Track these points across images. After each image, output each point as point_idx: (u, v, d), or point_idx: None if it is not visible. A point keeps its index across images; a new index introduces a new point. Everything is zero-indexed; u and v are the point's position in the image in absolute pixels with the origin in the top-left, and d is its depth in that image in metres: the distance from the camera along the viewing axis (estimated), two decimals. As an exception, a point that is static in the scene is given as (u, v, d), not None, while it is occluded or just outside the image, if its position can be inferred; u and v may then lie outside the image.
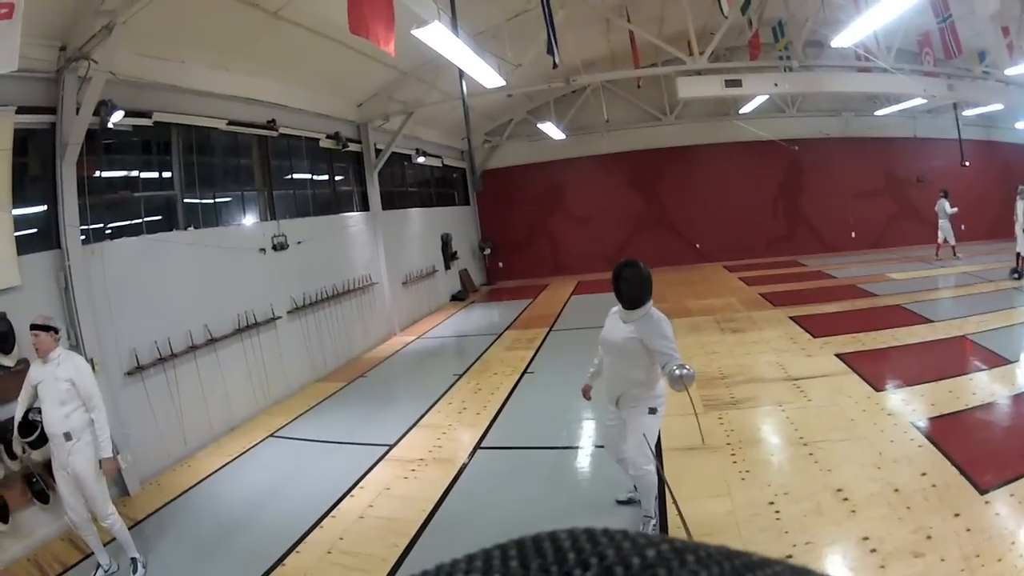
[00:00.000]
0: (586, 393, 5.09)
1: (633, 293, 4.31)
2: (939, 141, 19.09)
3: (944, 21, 11.52)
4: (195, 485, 6.55)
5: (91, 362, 5.81)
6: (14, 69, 3.83)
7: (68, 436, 4.60)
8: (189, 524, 5.76)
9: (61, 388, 4.58)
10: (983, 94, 13.96)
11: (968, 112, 18.27)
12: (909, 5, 7.93)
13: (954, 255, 16.15)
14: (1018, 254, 13.00)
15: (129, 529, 5.14)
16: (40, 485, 5.60)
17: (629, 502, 5.19)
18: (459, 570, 0.37)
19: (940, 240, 16.32)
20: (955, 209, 15.97)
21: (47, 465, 5.16)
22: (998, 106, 16.13)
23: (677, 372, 3.96)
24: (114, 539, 4.98)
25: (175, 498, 6.27)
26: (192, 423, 7.48)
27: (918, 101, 15.94)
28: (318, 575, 4.73)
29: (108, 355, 6.34)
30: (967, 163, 17.94)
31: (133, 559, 4.92)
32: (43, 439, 4.79)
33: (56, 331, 4.72)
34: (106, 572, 4.92)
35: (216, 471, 6.88)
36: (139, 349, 6.81)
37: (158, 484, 6.62)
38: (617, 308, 4.51)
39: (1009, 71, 12.06)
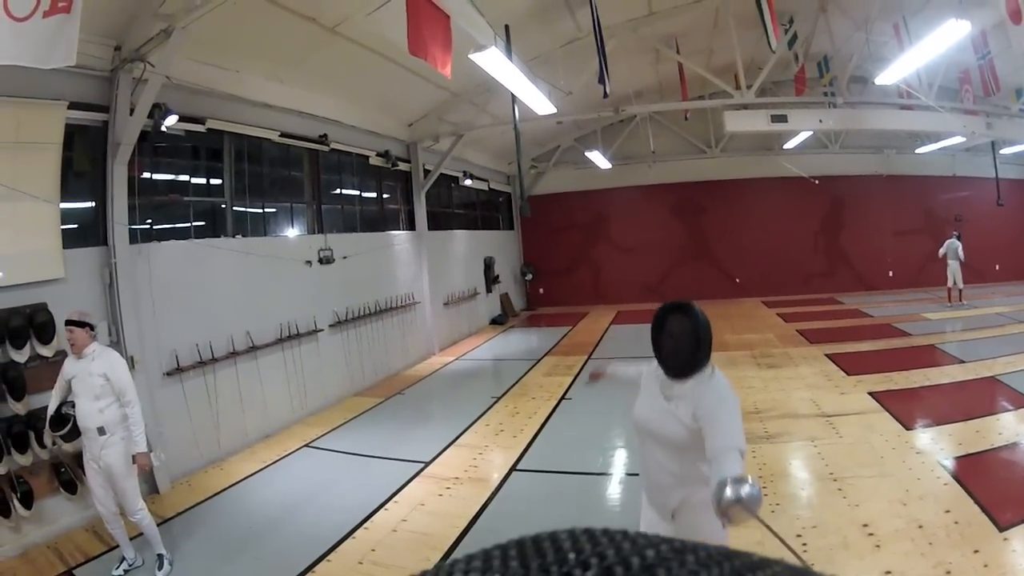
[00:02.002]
0: (598, 376, 3.79)
1: (684, 356, 2.82)
2: (977, 180, 18.79)
3: (983, 58, 11.46)
4: (226, 488, 6.56)
5: (130, 360, 5.88)
6: (72, 63, 3.86)
7: (102, 431, 4.61)
8: (218, 526, 5.77)
9: (95, 383, 4.58)
10: (1021, 132, 13.73)
11: (1006, 151, 18.00)
12: (952, 42, 7.93)
13: (960, 300, 15.81)
14: None
15: (157, 526, 5.12)
16: (68, 475, 5.64)
17: None
18: (459, 570, 0.37)
19: (950, 284, 15.90)
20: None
21: (77, 456, 5.17)
22: None
23: (732, 494, 2.26)
24: (141, 534, 4.96)
25: (205, 499, 6.28)
26: (228, 427, 7.49)
27: (958, 139, 15.78)
28: None
29: (148, 354, 6.38)
30: (1003, 203, 17.62)
31: (160, 555, 4.91)
32: (75, 432, 4.77)
33: (92, 327, 4.73)
34: (130, 565, 4.91)
35: (248, 476, 6.90)
36: (180, 351, 6.85)
37: (189, 484, 6.65)
38: (657, 369, 2.98)
39: None
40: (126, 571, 4.88)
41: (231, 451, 7.49)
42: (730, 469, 2.44)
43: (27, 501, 5.34)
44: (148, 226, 7.09)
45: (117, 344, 6.03)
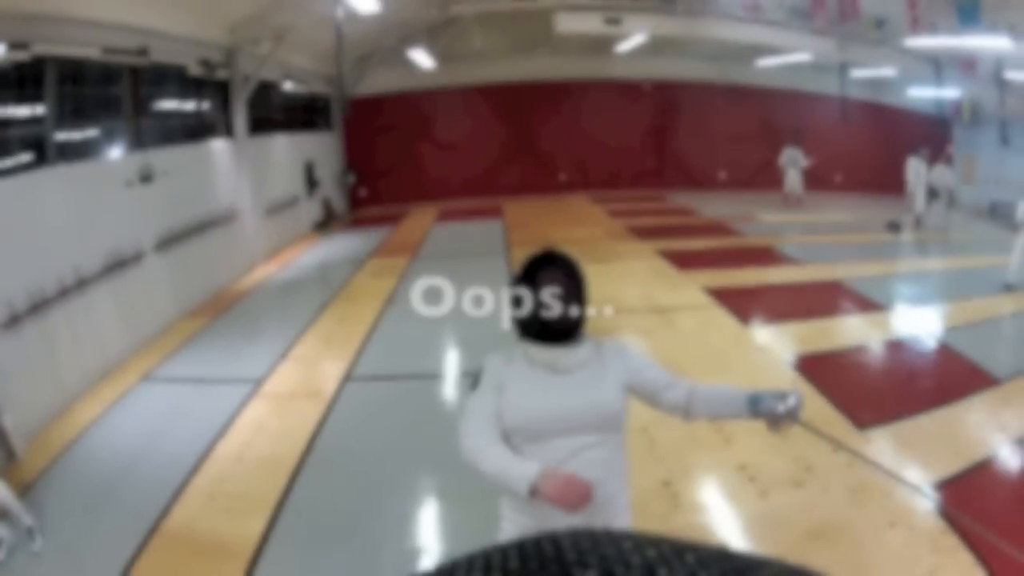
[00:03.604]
0: (571, 495, 2.12)
1: (576, 314, 2.46)
2: (822, 97, 19.75)
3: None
4: (76, 439, 6.41)
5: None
6: None
7: None
8: (76, 482, 5.64)
9: None
10: (877, 58, 14.37)
11: (858, 73, 18.79)
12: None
13: (800, 204, 16.72)
14: (917, 217, 13.85)
15: (24, 494, 5.10)
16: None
17: None
18: (459, 570, 0.36)
19: (787, 190, 16.88)
20: (808, 160, 16.56)
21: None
22: (890, 71, 16.64)
23: (784, 409, 2.31)
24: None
25: (59, 456, 6.12)
26: (68, 370, 7.36)
27: (802, 56, 16.22)
28: (206, 522, 4.78)
29: None
30: (849, 121, 18.62)
31: (29, 528, 4.69)
32: None
33: None
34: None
35: (95, 421, 6.78)
36: (14, 299, 6.64)
37: (42, 442, 6.43)
38: (511, 358, 2.49)
39: (911, 42, 12.43)
40: None
41: (76, 395, 7.33)
42: (741, 388, 2.47)
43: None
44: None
45: None
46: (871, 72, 18.34)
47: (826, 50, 13.86)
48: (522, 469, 2.13)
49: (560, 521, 1.74)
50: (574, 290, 2.46)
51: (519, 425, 2.34)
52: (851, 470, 4.52)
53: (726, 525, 4.22)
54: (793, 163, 16.96)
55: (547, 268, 2.47)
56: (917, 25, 11.94)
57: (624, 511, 2.49)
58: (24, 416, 6.36)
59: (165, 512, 4.92)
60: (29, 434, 6.43)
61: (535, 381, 2.40)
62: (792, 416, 2.33)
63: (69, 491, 5.54)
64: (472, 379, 2.53)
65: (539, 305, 2.39)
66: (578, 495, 2.04)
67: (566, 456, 2.28)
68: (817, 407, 5.43)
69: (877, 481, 4.39)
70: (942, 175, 13.83)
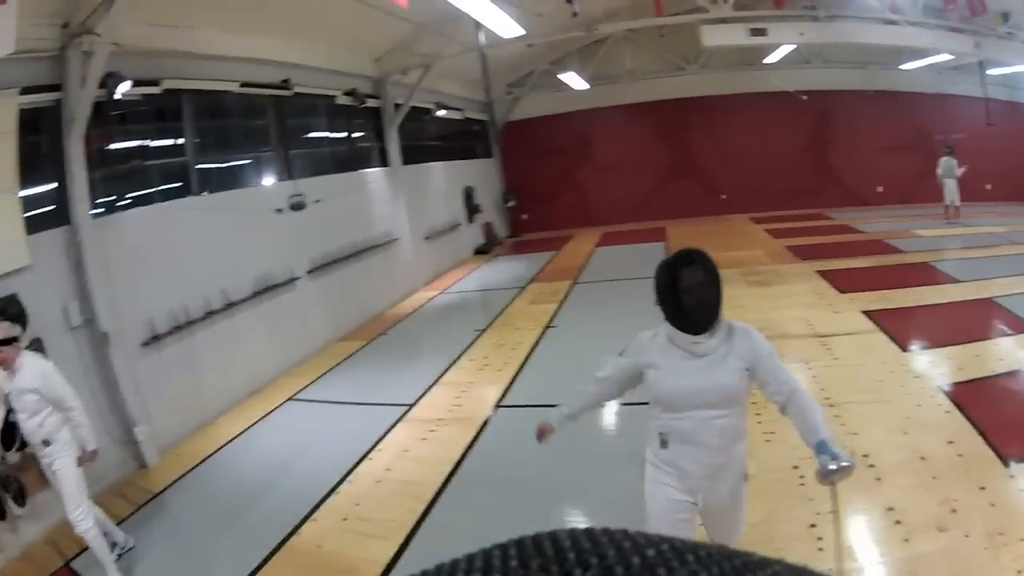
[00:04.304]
0: (545, 434, 3.41)
1: (710, 307, 2.78)
2: (964, 99, 18.31)
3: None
4: (215, 452, 6.60)
5: (104, 336, 5.91)
6: (11, 52, 3.81)
7: (46, 442, 4.44)
8: (208, 493, 5.81)
9: (29, 400, 4.36)
10: (1010, 54, 13.41)
11: (993, 71, 17.47)
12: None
13: (957, 217, 15.57)
14: None
15: (148, 502, 5.23)
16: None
17: None
18: (460, 570, 0.37)
19: (948, 201, 15.67)
20: (963, 168, 15.24)
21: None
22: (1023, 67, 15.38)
23: (836, 466, 2.66)
24: (133, 513, 4.96)
25: (195, 467, 6.30)
26: (212, 389, 7.53)
27: (943, 56, 15.44)
28: (334, 543, 4.71)
29: (124, 327, 6.36)
30: (993, 123, 17.12)
31: (115, 544, 4.80)
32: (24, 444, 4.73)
33: (17, 340, 4.49)
34: (123, 549, 4.88)
35: (236, 437, 6.94)
36: (155, 319, 6.84)
37: (177, 454, 6.67)
38: (656, 335, 2.94)
39: None
40: (120, 555, 4.80)
41: (218, 412, 7.54)
42: (818, 416, 2.89)
43: (20, 499, 5.28)
44: (114, 198, 7.00)
45: (91, 321, 6.02)
46: (1007, 69, 16.80)
47: (964, 48, 12.75)
48: (558, 415, 3.43)
49: (689, 465, 2.86)
50: (713, 286, 2.76)
51: (661, 399, 2.90)
52: (994, 511, 4.18)
53: (869, 572, 3.92)
54: (950, 173, 15.46)
55: (687, 266, 2.75)
56: None
57: (740, 469, 3.03)
58: (159, 429, 6.58)
59: (296, 529, 4.94)
60: (163, 447, 6.64)
61: (674, 361, 2.85)
62: (838, 476, 2.68)
63: (201, 500, 5.70)
64: (623, 349, 3.08)
65: (681, 297, 2.74)
66: (539, 432, 3.42)
67: (698, 424, 2.84)
68: (968, 440, 5.12)
69: (1014, 524, 4.05)
70: None
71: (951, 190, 15.51)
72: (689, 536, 2.93)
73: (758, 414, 5.73)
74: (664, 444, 2.92)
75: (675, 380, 2.82)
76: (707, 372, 2.79)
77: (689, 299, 2.72)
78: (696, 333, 2.78)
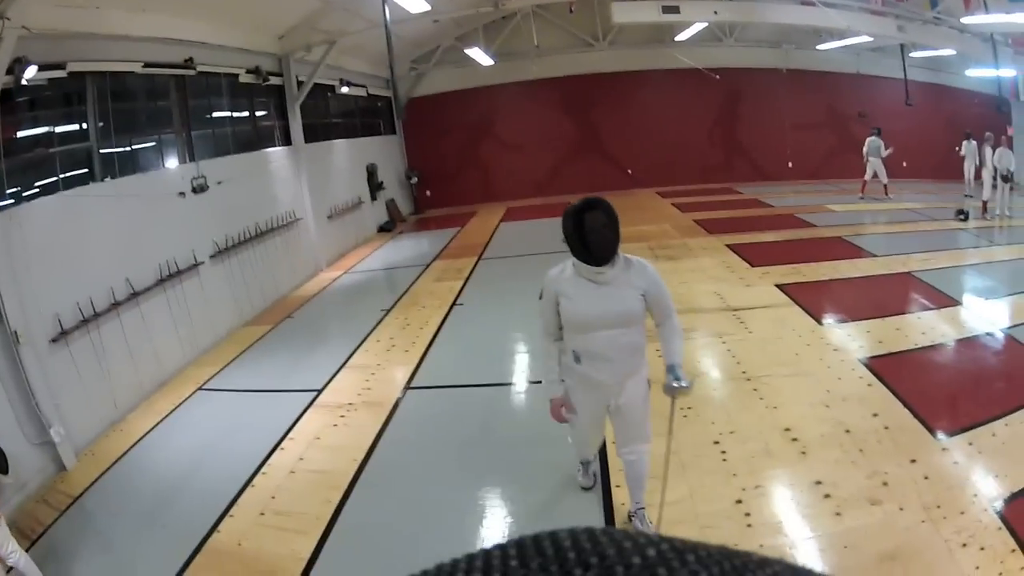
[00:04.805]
0: (559, 410, 3.82)
1: (612, 243, 3.36)
2: (883, 80, 19.17)
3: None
4: (128, 450, 6.43)
5: (15, 335, 5.78)
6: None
7: None
8: (127, 494, 5.66)
9: None
10: (935, 38, 13.94)
11: (916, 54, 18.25)
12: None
13: (885, 194, 16.24)
14: (984, 201, 13.44)
15: (69, 507, 5.13)
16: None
17: (594, 484, 4.75)
18: (460, 570, 0.37)
19: (867, 177, 16.36)
20: (890, 149, 16.01)
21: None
22: (949, 51, 15.97)
23: (680, 383, 3.45)
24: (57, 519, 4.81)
25: (110, 467, 6.14)
26: (121, 384, 7.39)
27: (863, 38, 15.88)
28: (254, 539, 4.65)
29: (32, 324, 6.20)
30: (912, 103, 17.82)
31: None
32: None
33: None
34: None
35: (148, 433, 6.78)
36: (62, 313, 6.67)
37: (92, 454, 6.51)
38: (562, 270, 3.58)
39: (965, 19, 12.05)
40: None
41: (128, 408, 7.40)
42: (679, 346, 3.63)
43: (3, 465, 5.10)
44: (17, 188, 6.76)
45: (0, 322, 5.85)
46: (931, 53, 17.56)
47: (885, 31, 13.20)
48: (549, 387, 3.83)
49: (599, 375, 3.59)
50: (613, 226, 3.32)
51: (571, 322, 3.56)
52: (928, 483, 4.26)
53: (801, 548, 3.94)
54: (876, 153, 16.24)
55: (591, 211, 3.28)
56: (969, 3, 11.52)
57: (644, 376, 3.75)
58: (74, 428, 6.43)
59: (215, 526, 4.86)
60: (79, 447, 6.49)
61: (582, 290, 3.47)
62: (678, 393, 3.46)
63: (118, 504, 5.52)
64: (540, 291, 3.73)
65: (586, 236, 3.28)
66: (555, 415, 3.82)
67: (604, 341, 3.53)
68: (894, 413, 5.20)
69: (952, 496, 4.13)
70: (1003, 157, 13.09)
71: (875, 168, 16.20)
72: (603, 427, 3.89)
73: None
74: (578, 360, 3.63)
75: (583, 305, 3.47)
76: (609, 297, 3.44)
77: (593, 237, 3.28)
78: (598, 265, 3.37)
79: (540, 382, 5.46)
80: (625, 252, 3.48)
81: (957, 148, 16.12)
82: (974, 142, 15.47)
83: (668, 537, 0.38)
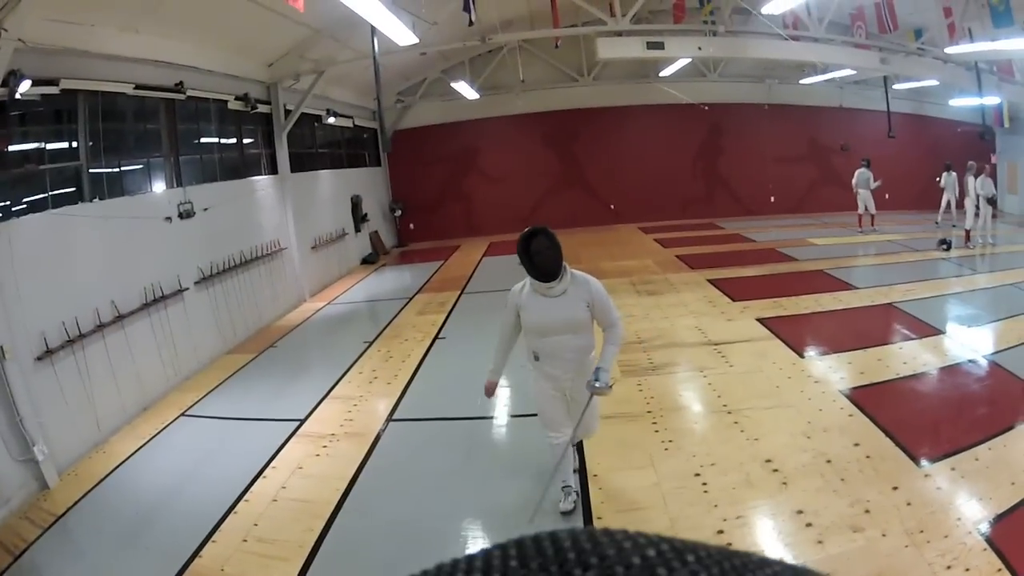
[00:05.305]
0: (492, 390, 4.70)
1: (554, 262, 4.07)
2: (866, 112, 19.53)
3: (882, -6, 11.77)
4: (111, 472, 6.37)
5: (1, 350, 5.70)
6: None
7: None
8: (109, 516, 5.60)
9: None
10: (919, 69, 14.17)
11: (899, 86, 18.53)
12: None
13: (872, 225, 16.45)
14: (967, 230, 13.66)
15: (51, 525, 5.07)
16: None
17: (574, 508, 4.84)
18: (459, 570, 0.37)
19: (861, 211, 16.60)
20: (879, 182, 16.20)
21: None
22: (932, 82, 16.28)
23: (600, 384, 4.14)
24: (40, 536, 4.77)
25: (93, 487, 6.08)
26: (105, 406, 7.29)
27: (846, 71, 16.10)
28: (236, 565, 4.61)
29: (18, 341, 6.12)
30: (894, 135, 18.10)
31: None
32: None
33: None
34: None
35: (131, 456, 6.71)
36: (47, 332, 6.60)
37: (75, 474, 6.44)
38: (523, 287, 4.32)
39: (949, 50, 12.17)
40: None
41: (111, 430, 7.31)
42: (612, 353, 4.32)
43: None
44: (6, 203, 6.72)
45: None
46: (915, 84, 17.92)
47: (869, 64, 13.48)
48: (490, 374, 4.68)
49: (554, 371, 4.38)
50: (554, 249, 4.11)
51: (529, 328, 4.34)
52: (911, 509, 4.29)
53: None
54: (865, 185, 16.54)
55: (535, 237, 4.10)
56: (953, 32, 11.72)
57: (592, 367, 4.30)
58: (56, 448, 6.34)
59: (197, 551, 4.83)
60: (61, 467, 6.41)
61: (537, 302, 4.25)
62: (598, 392, 4.19)
63: (100, 524, 5.48)
64: (504, 303, 4.44)
65: (532, 257, 4.11)
66: (487, 392, 4.73)
67: (556, 344, 4.30)
68: (875, 442, 5.25)
69: (936, 521, 4.16)
70: (984, 185, 13.41)
71: (864, 199, 16.43)
72: (562, 410, 4.50)
73: (655, 423, 5.97)
74: (537, 358, 4.40)
75: (538, 315, 4.25)
76: (559, 308, 4.20)
77: (539, 259, 4.08)
78: (546, 280, 4.15)
79: (521, 415, 5.93)
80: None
81: (937, 179, 16.40)
82: (954, 174, 15.79)
83: (668, 537, 0.38)
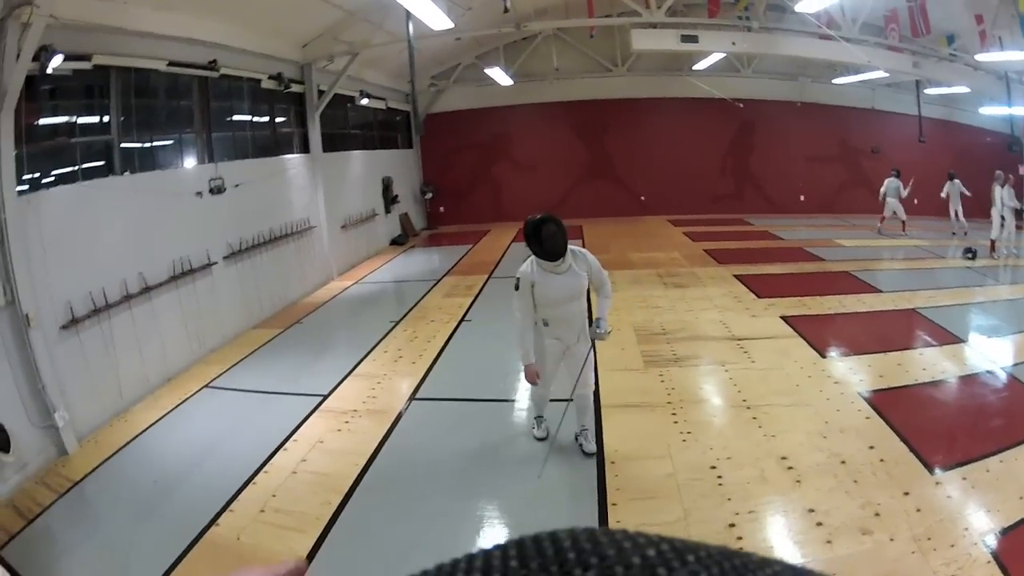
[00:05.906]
0: (535, 374, 5.05)
1: (561, 244, 4.72)
2: (897, 115, 19.18)
3: (915, -1, 11.59)
4: (131, 441, 6.46)
5: (26, 318, 5.81)
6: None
7: None
8: (126, 483, 5.67)
9: None
10: (950, 75, 13.96)
11: (931, 91, 18.17)
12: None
13: (903, 230, 16.21)
14: (992, 240, 13.40)
15: (68, 491, 5.14)
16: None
17: (547, 436, 5.68)
18: (460, 570, 0.37)
19: (888, 214, 16.36)
20: (907, 189, 16.04)
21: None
22: (963, 88, 15.96)
23: (601, 331, 4.95)
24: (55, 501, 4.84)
25: (112, 455, 6.16)
26: (128, 376, 7.40)
27: (879, 73, 15.91)
28: (252, 535, 4.67)
29: (44, 309, 6.23)
30: (924, 139, 17.79)
31: None
32: None
33: None
34: None
35: (152, 425, 6.80)
36: (74, 301, 6.70)
37: (95, 441, 6.53)
38: (531, 269, 4.92)
39: (980, 57, 12.07)
40: None
41: (134, 400, 7.40)
42: (607, 305, 5.09)
43: (5, 444, 5.32)
44: (37, 175, 6.81)
45: (12, 304, 5.87)
46: (946, 90, 17.48)
47: (901, 67, 13.25)
48: (526, 356, 5.01)
49: (562, 333, 5.12)
50: (561, 233, 4.73)
51: (543, 301, 4.95)
52: (920, 516, 4.28)
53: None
54: (895, 194, 16.29)
55: (545, 224, 4.70)
56: (984, 40, 11.58)
57: (587, 334, 5.15)
58: (78, 415, 6.45)
59: (213, 521, 4.88)
60: (81, 434, 6.51)
61: (547, 279, 4.88)
62: (599, 337, 5.01)
63: (116, 491, 5.56)
64: (515, 282, 4.99)
65: (543, 242, 4.71)
66: (529, 378, 5.09)
67: (564, 311, 5.01)
68: (890, 446, 5.25)
69: (943, 529, 4.15)
70: (1008, 197, 13.16)
71: (894, 208, 16.23)
72: (554, 370, 5.26)
73: (674, 414, 5.97)
74: (546, 324, 5.07)
75: (551, 289, 4.91)
76: (566, 282, 4.89)
77: (549, 243, 4.70)
78: (554, 261, 4.78)
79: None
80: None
81: (943, 195, 16.18)
82: (957, 181, 15.63)
83: (668, 537, 0.38)
